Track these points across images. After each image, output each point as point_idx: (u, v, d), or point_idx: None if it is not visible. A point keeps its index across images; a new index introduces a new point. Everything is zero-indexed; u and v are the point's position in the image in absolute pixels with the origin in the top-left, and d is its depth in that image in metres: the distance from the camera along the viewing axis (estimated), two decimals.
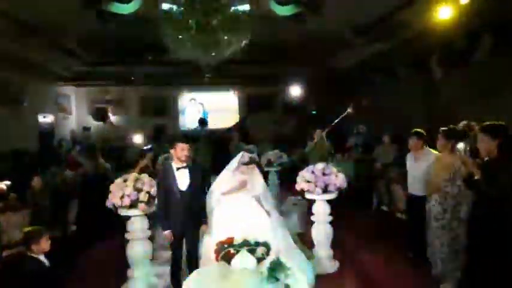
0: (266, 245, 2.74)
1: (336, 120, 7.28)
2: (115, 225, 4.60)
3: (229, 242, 2.76)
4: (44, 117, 11.71)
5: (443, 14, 6.22)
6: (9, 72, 9.43)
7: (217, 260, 2.69)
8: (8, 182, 2.25)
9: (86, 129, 12.69)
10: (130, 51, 10.46)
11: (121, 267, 4.27)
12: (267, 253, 2.69)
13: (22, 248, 3.15)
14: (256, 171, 4.41)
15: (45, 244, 2.79)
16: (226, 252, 2.66)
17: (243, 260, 2.55)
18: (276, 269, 2.49)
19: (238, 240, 2.76)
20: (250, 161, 4.26)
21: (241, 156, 4.33)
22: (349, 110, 7.36)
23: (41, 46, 9.23)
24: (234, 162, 4.35)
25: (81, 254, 4.82)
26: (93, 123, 13.41)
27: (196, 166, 3.88)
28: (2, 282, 2.71)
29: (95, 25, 7.94)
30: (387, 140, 7.61)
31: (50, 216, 4.34)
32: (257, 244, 2.73)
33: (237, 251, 2.64)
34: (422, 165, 4.51)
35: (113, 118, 13.25)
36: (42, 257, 2.76)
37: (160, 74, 12.47)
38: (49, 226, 4.27)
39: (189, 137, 4.50)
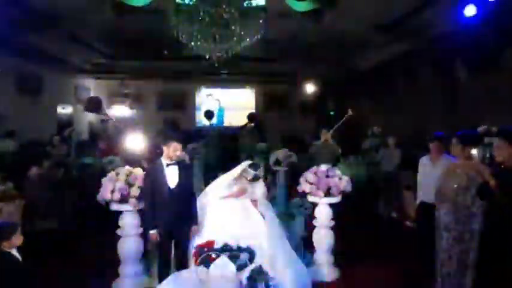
0: (250, 251, 2.56)
1: (339, 124, 7.03)
2: (112, 219, 4.49)
3: (210, 245, 2.59)
4: (63, 108, 11.91)
5: (469, 12, 5.91)
6: (29, 63, 9.57)
7: (196, 263, 2.53)
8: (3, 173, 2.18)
9: (103, 121, 12.81)
10: (148, 45, 10.48)
11: (115, 261, 4.17)
12: (251, 260, 2.50)
13: None
14: (260, 182, 4.22)
15: (16, 240, 2.69)
16: (206, 256, 2.50)
17: (222, 266, 2.38)
18: (257, 278, 2.30)
19: (219, 244, 2.58)
20: (254, 179, 4.08)
21: (244, 171, 4.14)
22: (349, 112, 7.07)
23: (61, 39, 9.37)
24: (237, 171, 4.19)
25: (75, 246, 4.76)
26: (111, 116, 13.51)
27: (187, 164, 3.73)
28: None
29: (114, 18, 8.00)
30: (392, 142, 7.15)
31: (46, 207, 4.31)
32: (240, 250, 2.55)
33: (218, 256, 2.47)
34: (440, 172, 4.19)
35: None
36: (14, 251, 2.67)
37: (176, 68, 12.45)
38: (44, 217, 4.22)
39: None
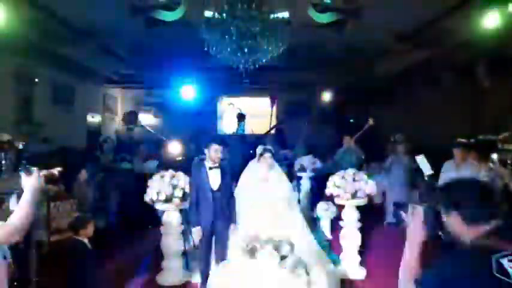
0: (290, 244, 2.84)
1: (360, 132, 7.23)
2: (154, 219, 4.87)
3: (256, 237, 2.88)
4: (92, 117, 12.45)
5: (491, 22, 6.03)
6: (62, 74, 10.11)
7: (243, 254, 2.82)
8: (60, 169, 2.50)
9: (129, 129, 13.32)
10: (174, 56, 10.94)
11: (158, 258, 4.54)
12: (291, 251, 2.78)
13: (70, 234, 3.46)
14: (276, 167, 4.53)
15: (90, 230, 3.11)
16: (252, 247, 2.79)
17: (268, 255, 2.67)
18: (298, 266, 2.58)
19: (264, 236, 2.88)
20: (265, 151, 4.40)
21: (258, 149, 4.50)
22: (370, 122, 7.26)
23: (92, 50, 9.90)
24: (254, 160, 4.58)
25: (120, 243, 5.14)
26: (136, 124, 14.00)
27: (227, 167, 4.05)
28: (52, 262, 3.01)
29: (142, 31, 8.47)
30: (402, 149, 7.18)
31: (93, 207, 4.69)
32: (281, 242, 2.84)
33: (262, 246, 2.76)
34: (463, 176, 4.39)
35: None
36: (86, 240, 3.05)
37: (201, 78, 12.87)
38: (93, 216, 4.59)
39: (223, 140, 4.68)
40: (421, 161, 4.63)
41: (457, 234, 1.63)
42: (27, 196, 1.98)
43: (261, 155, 4.39)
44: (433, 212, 1.77)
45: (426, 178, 4.20)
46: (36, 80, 8.89)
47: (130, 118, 7.42)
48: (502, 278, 1.38)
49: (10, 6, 5.75)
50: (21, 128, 6.98)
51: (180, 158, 5.64)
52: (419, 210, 1.79)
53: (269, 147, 4.51)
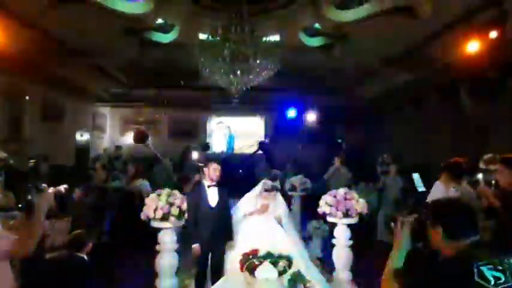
0: (288, 259, 2.93)
1: (341, 153, 7.45)
2: (146, 238, 4.88)
3: (254, 253, 2.96)
4: (81, 135, 12.40)
5: (472, 48, 6.33)
6: (51, 91, 10.09)
7: (241, 270, 2.89)
8: (66, 186, 2.55)
9: (118, 147, 13.29)
10: (164, 75, 11.10)
11: (149, 277, 4.53)
12: (289, 266, 2.87)
13: (66, 251, 3.48)
14: (279, 196, 4.65)
15: (89, 246, 3.14)
16: (250, 263, 2.87)
17: (266, 270, 2.75)
18: (297, 280, 2.66)
19: (262, 252, 2.96)
20: (272, 189, 4.50)
21: (263, 184, 4.58)
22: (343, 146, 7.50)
23: (84, 68, 9.98)
24: (258, 188, 4.64)
25: (113, 262, 5.12)
26: (125, 143, 13.98)
27: (224, 185, 4.15)
28: (47, 280, 3.01)
29: (133, 51, 8.61)
30: (393, 170, 7.40)
31: (87, 225, 4.68)
32: (280, 257, 2.92)
33: (261, 262, 2.84)
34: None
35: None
36: (85, 257, 3.08)
37: (190, 98, 13.03)
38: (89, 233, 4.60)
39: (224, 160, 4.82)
40: (417, 178, 4.91)
41: (438, 246, 1.79)
42: (39, 213, 2.04)
43: (268, 191, 4.48)
44: (419, 225, 1.93)
45: (419, 194, 4.43)
46: (27, 97, 8.90)
47: (142, 137, 7.63)
48: (483, 283, 1.54)
49: (1, 24, 5.83)
50: (9, 146, 6.94)
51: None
52: (408, 221, 1.94)
53: (277, 184, 4.59)
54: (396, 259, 1.95)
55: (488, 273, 1.56)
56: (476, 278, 1.55)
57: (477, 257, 1.63)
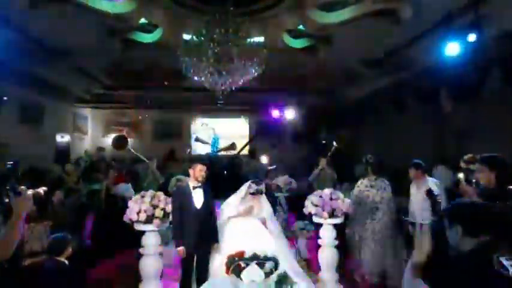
0: (274, 260, 2.91)
1: (329, 154, 7.48)
2: (128, 241, 4.80)
3: (240, 255, 2.93)
4: (62, 137, 12.14)
5: (452, 51, 6.44)
6: (30, 92, 9.83)
7: (227, 272, 2.86)
8: (45, 188, 2.47)
9: (101, 149, 13.06)
10: (147, 76, 10.96)
11: (131, 281, 4.45)
12: (275, 268, 2.85)
13: (44, 256, 3.39)
14: (264, 198, 4.62)
15: (69, 250, 3.06)
16: (236, 265, 2.83)
17: (252, 272, 2.72)
18: (283, 281, 2.65)
19: (248, 254, 2.93)
20: (257, 192, 4.47)
21: (248, 187, 4.54)
22: (335, 144, 7.54)
23: (65, 69, 9.76)
24: (243, 191, 4.57)
25: (94, 266, 5.00)
26: (108, 144, 13.76)
27: (209, 186, 4.11)
28: (26, 287, 2.91)
29: (115, 51, 8.46)
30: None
31: (68, 229, 4.56)
32: (266, 259, 2.90)
33: (247, 264, 2.81)
34: (423, 194, 4.70)
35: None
36: (66, 261, 3.00)
37: (174, 99, 12.91)
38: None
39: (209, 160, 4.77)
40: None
41: (459, 243, 1.98)
42: (17, 216, 1.97)
43: (253, 194, 4.44)
44: (439, 226, 2.12)
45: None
46: (5, 98, 8.65)
47: (122, 144, 7.53)
48: (503, 271, 1.76)
49: None
50: None
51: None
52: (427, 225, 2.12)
53: (262, 187, 4.54)
54: (418, 256, 2.21)
55: (506, 263, 1.78)
56: (495, 267, 1.78)
57: (495, 249, 1.83)
